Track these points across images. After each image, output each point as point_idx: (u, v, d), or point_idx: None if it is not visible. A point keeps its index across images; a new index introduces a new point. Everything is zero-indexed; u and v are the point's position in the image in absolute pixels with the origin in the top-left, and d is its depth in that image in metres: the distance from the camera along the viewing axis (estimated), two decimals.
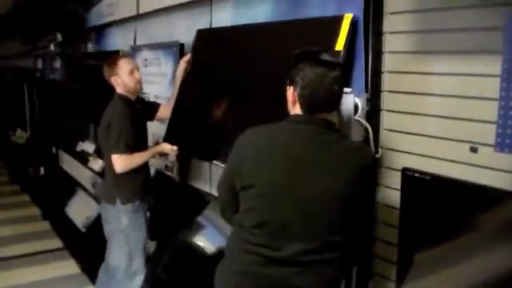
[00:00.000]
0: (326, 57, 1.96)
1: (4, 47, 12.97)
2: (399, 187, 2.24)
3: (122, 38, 5.12)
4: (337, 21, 2.50)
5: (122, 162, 3.45)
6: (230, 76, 3.39)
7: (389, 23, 2.38)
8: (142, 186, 3.63)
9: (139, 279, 3.68)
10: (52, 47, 7.38)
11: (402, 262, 2.10)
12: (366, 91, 2.39)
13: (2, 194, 8.23)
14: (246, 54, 3.23)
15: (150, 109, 3.87)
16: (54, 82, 7.71)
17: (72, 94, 6.31)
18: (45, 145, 7.28)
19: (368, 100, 2.38)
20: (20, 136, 8.83)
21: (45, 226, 6.64)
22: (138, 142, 3.52)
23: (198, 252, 3.79)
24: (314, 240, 1.89)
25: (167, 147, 3.60)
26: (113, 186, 3.63)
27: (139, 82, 3.57)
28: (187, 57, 3.66)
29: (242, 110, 3.25)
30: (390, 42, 2.37)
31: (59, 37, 6.74)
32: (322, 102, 1.94)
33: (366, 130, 2.36)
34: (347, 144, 2.00)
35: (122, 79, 3.52)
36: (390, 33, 2.37)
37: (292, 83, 1.98)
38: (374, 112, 2.40)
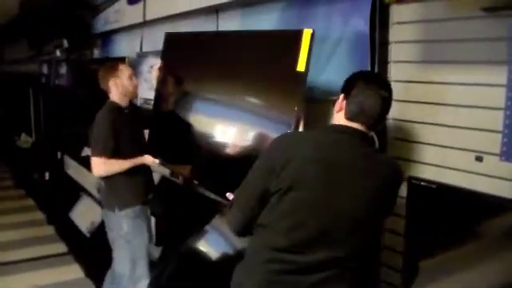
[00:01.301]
0: (380, 78, 2.14)
1: (10, 52, 13.03)
2: (405, 195, 2.26)
3: (129, 44, 5.15)
4: (297, 36, 2.49)
5: (98, 166, 3.47)
6: (195, 82, 3.50)
7: (395, 33, 2.41)
8: (140, 191, 3.63)
9: (144, 284, 3.68)
10: (58, 53, 7.42)
11: (407, 270, 2.11)
12: None
13: (7, 198, 8.25)
14: (209, 60, 3.32)
15: (144, 115, 3.89)
16: (59, 88, 7.75)
17: (77, 100, 6.34)
18: (50, 150, 7.30)
19: None
20: (25, 141, 8.86)
21: (49, 230, 6.65)
22: (126, 148, 3.52)
23: (203, 258, 3.81)
24: (343, 248, 1.93)
25: (149, 159, 3.55)
26: (108, 191, 3.66)
27: (136, 87, 3.66)
28: (158, 64, 3.74)
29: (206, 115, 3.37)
30: (396, 52, 2.40)
31: (65, 43, 6.77)
32: (368, 113, 1.99)
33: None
34: (382, 158, 2.07)
35: (122, 82, 3.57)
36: (396, 42, 2.40)
37: (345, 92, 2.05)
38: None
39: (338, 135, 2.00)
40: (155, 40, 4.55)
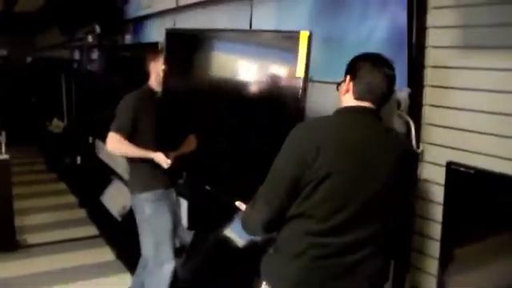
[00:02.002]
0: (384, 57, 2.12)
1: (42, 39, 13.20)
2: (440, 181, 2.25)
3: (161, 28, 5.14)
4: (293, 38, 2.46)
5: (111, 141, 3.53)
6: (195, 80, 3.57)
7: (433, 18, 2.37)
8: (164, 175, 3.63)
9: (168, 268, 3.72)
10: (90, 38, 7.48)
11: (444, 257, 2.09)
12: (409, 86, 2.39)
13: (40, 182, 8.42)
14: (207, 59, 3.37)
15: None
16: (90, 73, 7.83)
17: (108, 85, 6.40)
18: (81, 134, 7.40)
19: (410, 95, 2.38)
20: (56, 125, 9.00)
21: (81, 213, 6.78)
22: (145, 135, 3.56)
23: (233, 245, 3.84)
24: (376, 225, 2.02)
25: (161, 158, 3.51)
26: (131, 174, 3.74)
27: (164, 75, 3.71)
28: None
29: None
30: (433, 37, 2.36)
31: (97, 28, 6.82)
32: (377, 92, 2.08)
33: (408, 124, 2.36)
34: (394, 135, 2.17)
35: (157, 68, 3.66)
36: (434, 27, 2.36)
37: (351, 73, 2.12)
38: (415, 107, 2.40)
39: (355, 115, 2.08)
40: (188, 24, 4.56)
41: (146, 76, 3.71)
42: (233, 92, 3.04)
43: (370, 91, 2.07)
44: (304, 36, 2.42)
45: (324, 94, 2.61)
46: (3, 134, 5.56)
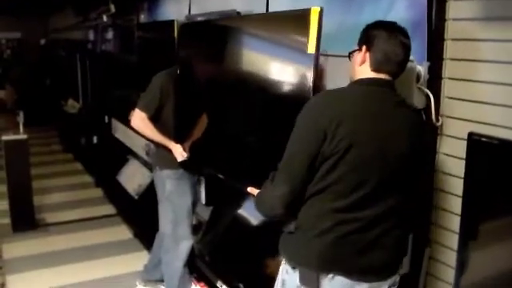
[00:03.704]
0: (399, 25, 2.07)
1: (56, 20, 13.22)
2: (459, 155, 2.24)
3: (176, 7, 5.12)
4: (304, 15, 2.41)
5: (136, 118, 3.59)
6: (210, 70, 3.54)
7: None
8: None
9: (185, 245, 3.76)
10: (104, 18, 7.47)
11: (465, 231, 2.08)
12: (428, 59, 2.37)
13: (56, 162, 8.51)
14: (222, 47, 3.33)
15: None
16: (105, 53, 7.83)
17: (123, 65, 6.40)
18: (97, 114, 7.43)
19: (430, 68, 2.36)
20: (72, 106, 9.04)
21: (98, 193, 6.85)
22: (169, 116, 3.62)
23: (247, 221, 3.85)
24: (397, 197, 2.00)
25: (177, 150, 3.56)
26: (155, 150, 3.77)
27: None
28: None
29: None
30: (453, 9, 2.33)
31: (112, 8, 6.80)
32: (393, 62, 2.04)
33: (428, 97, 2.34)
34: (409, 107, 2.14)
35: None
36: (454, 0, 2.33)
37: (366, 43, 2.07)
38: (435, 80, 2.37)
39: (371, 88, 2.04)
40: (203, 2, 4.52)
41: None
42: (246, 76, 3.03)
43: (388, 61, 2.03)
44: (315, 12, 2.37)
45: (341, 68, 2.59)
46: (21, 114, 5.61)
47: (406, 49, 2.05)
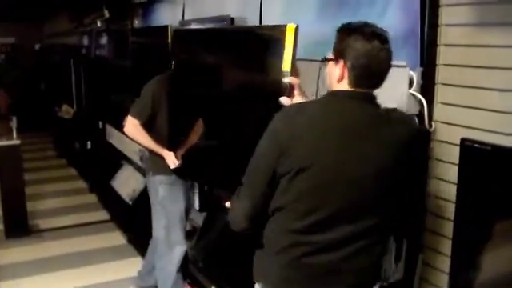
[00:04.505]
0: (378, 30, 1.85)
1: (51, 25, 13.21)
2: (452, 161, 2.24)
3: (170, 12, 5.13)
4: (280, 31, 2.32)
5: (129, 125, 3.59)
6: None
7: None
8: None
9: (178, 250, 3.76)
10: (99, 23, 7.47)
11: (458, 237, 2.07)
12: (421, 65, 2.37)
13: (50, 167, 8.48)
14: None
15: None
16: (99, 58, 7.82)
17: (118, 70, 6.40)
18: (91, 119, 7.42)
19: (423, 73, 2.36)
20: (66, 111, 9.01)
21: (92, 198, 6.83)
22: (162, 123, 3.60)
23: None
24: (363, 221, 1.86)
25: (170, 158, 3.58)
26: (149, 156, 3.76)
27: None
28: None
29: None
30: (446, 15, 2.34)
31: (106, 13, 6.81)
32: (375, 75, 1.85)
33: (421, 103, 2.35)
34: (394, 119, 1.93)
35: None
36: (447, 5, 2.33)
37: (341, 57, 1.85)
38: (428, 85, 2.38)
39: (347, 101, 1.87)
40: (197, 8, 4.53)
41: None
42: (231, 88, 3.02)
43: (370, 77, 1.85)
44: (291, 29, 2.26)
45: None
46: (14, 119, 5.58)
47: (389, 58, 1.86)
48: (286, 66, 2.28)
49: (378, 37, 1.81)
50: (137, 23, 6.31)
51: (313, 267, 1.89)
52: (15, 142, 5.46)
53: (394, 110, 1.98)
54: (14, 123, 5.58)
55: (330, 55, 1.92)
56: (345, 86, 1.87)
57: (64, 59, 9.54)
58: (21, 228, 5.48)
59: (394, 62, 2.32)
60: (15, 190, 5.42)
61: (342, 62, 1.85)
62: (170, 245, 3.72)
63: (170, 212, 3.69)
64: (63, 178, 7.87)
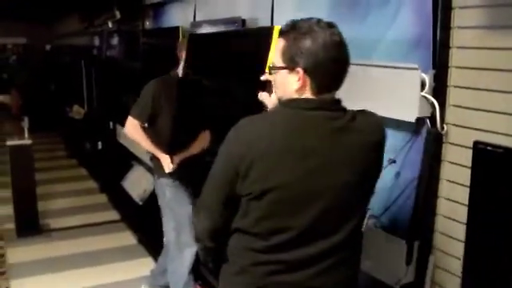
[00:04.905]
0: (321, 20, 1.70)
1: (61, 26, 13.29)
2: (464, 163, 2.23)
3: (181, 14, 5.15)
4: (267, 32, 2.38)
5: (128, 126, 3.63)
6: None
7: None
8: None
9: (189, 252, 3.75)
10: (110, 24, 7.51)
11: (470, 240, 2.07)
12: (434, 67, 2.37)
13: (61, 167, 8.52)
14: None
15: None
16: (110, 59, 7.86)
17: (129, 71, 6.43)
18: (102, 120, 7.45)
19: (435, 76, 2.36)
20: (77, 112, 9.06)
21: (102, 198, 6.85)
22: (163, 123, 3.62)
23: None
24: (340, 234, 1.72)
25: (165, 161, 3.60)
26: (153, 158, 3.77)
27: None
28: None
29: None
30: (459, 17, 2.33)
31: (117, 14, 6.84)
32: (341, 80, 1.72)
33: (433, 105, 2.34)
34: (360, 123, 1.74)
35: (183, 57, 3.68)
36: (460, 7, 2.33)
37: (303, 65, 1.66)
38: (440, 88, 2.37)
39: (309, 113, 1.68)
40: (209, 9, 4.54)
41: (175, 62, 3.73)
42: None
43: (335, 81, 1.71)
44: (277, 29, 2.10)
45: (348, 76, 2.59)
46: (26, 119, 5.62)
47: (348, 54, 1.71)
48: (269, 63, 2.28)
49: (336, 38, 1.67)
50: (148, 24, 6.33)
51: (285, 285, 1.75)
52: (27, 141, 5.50)
53: (362, 111, 1.79)
54: (25, 123, 5.61)
55: (280, 63, 1.72)
56: (305, 94, 1.70)
57: (75, 60, 9.60)
58: (32, 227, 5.51)
59: (405, 65, 2.38)
60: (27, 189, 5.46)
61: (301, 71, 1.66)
62: (181, 247, 3.73)
63: (178, 214, 3.71)
64: (74, 178, 7.90)
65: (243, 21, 3.73)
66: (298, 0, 3.41)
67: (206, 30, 4.27)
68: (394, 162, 2.52)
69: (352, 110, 1.76)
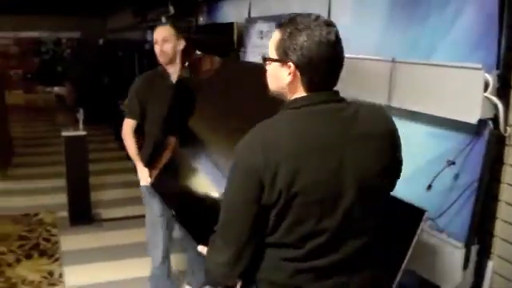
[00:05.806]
0: (320, 16, 1.65)
1: (114, 21, 13.54)
2: None
3: (236, 10, 5.16)
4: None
5: (123, 126, 3.58)
6: None
7: None
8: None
9: (158, 252, 3.83)
10: (163, 20, 7.59)
11: None
12: (498, 68, 2.31)
13: (112, 159, 8.68)
14: None
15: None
16: None
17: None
18: None
19: (499, 76, 2.30)
20: None
21: None
22: (149, 120, 3.53)
23: None
24: (366, 233, 1.72)
25: (143, 174, 3.50)
26: None
27: (159, 55, 3.55)
28: None
29: None
30: None
31: (171, 9, 6.91)
32: (336, 76, 1.68)
33: (496, 107, 2.28)
34: (366, 113, 1.71)
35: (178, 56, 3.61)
36: None
37: (288, 58, 1.64)
38: (505, 88, 2.31)
39: (313, 110, 1.65)
40: (264, 5, 4.53)
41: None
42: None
43: (331, 78, 1.68)
44: None
45: (409, 75, 2.56)
46: (81, 111, 5.75)
47: (343, 54, 1.67)
48: None
49: (331, 35, 1.61)
50: (201, 20, 6.38)
51: None
52: (81, 132, 5.64)
53: (362, 105, 1.74)
54: (80, 115, 5.75)
55: (273, 55, 1.69)
56: (300, 90, 1.68)
57: (127, 54, 9.74)
58: (84, 216, 5.67)
59: (468, 64, 2.33)
60: (81, 179, 5.61)
61: (293, 67, 1.64)
62: (155, 245, 3.82)
63: (151, 211, 3.82)
64: (124, 170, 8.00)
65: None
66: None
67: (260, 26, 4.26)
68: (453, 163, 2.47)
69: (354, 102, 1.74)
